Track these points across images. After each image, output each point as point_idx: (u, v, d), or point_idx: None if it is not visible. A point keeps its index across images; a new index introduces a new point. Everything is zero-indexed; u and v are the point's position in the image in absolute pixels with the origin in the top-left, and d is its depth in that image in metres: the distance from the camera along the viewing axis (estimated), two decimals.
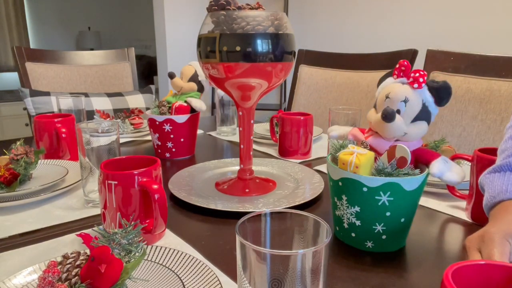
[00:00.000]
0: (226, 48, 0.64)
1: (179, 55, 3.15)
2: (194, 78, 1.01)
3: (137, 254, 0.43)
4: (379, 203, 0.52)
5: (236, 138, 1.22)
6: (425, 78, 0.53)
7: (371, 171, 0.53)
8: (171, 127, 0.97)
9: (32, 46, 4.79)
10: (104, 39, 5.23)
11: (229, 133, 1.27)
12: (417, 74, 0.53)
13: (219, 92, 1.24)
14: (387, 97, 0.54)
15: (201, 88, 1.03)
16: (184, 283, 0.45)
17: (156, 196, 0.53)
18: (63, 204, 0.70)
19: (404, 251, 0.55)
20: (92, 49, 4.46)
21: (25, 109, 1.49)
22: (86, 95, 1.47)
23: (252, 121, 0.75)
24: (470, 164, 0.65)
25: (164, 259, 0.49)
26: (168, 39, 3.12)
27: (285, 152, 1.01)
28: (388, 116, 0.51)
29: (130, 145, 1.15)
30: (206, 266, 0.47)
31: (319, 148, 1.09)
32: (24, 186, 0.75)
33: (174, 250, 0.50)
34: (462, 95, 1.12)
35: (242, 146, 0.76)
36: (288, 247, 0.38)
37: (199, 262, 0.48)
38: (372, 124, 0.56)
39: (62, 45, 5.04)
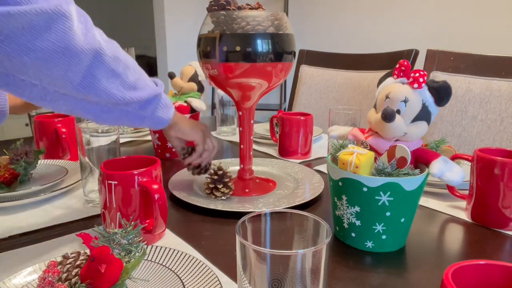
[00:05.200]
0: (226, 48, 0.64)
1: (179, 55, 3.15)
2: (194, 78, 1.01)
3: (137, 254, 0.43)
4: (379, 203, 0.52)
5: (236, 138, 1.22)
6: (425, 78, 0.53)
7: (371, 171, 0.53)
8: None
9: None
10: None
11: (229, 133, 1.27)
12: (417, 74, 0.53)
13: (219, 92, 1.24)
14: (387, 97, 0.54)
15: (201, 88, 1.03)
16: (184, 283, 0.45)
17: (156, 196, 0.53)
18: (63, 204, 0.70)
19: (404, 251, 0.55)
20: None
21: None
22: None
23: (252, 121, 0.75)
24: (470, 164, 0.65)
25: (164, 259, 0.49)
26: (168, 39, 3.12)
27: (285, 152, 1.01)
28: (388, 116, 0.51)
29: (130, 145, 1.15)
30: (206, 266, 0.47)
31: (319, 148, 1.09)
32: (24, 186, 0.75)
33: (174, 250, 0.50)
34: (462, 95, 1.12)
35: (242, 146, 0.76)
36: (288, 247, 0.38)
37: (199, 262, 0.48)
38: (372, 124, 0.56)
39: None
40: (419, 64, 1.24)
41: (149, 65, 4.81)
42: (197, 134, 0.72)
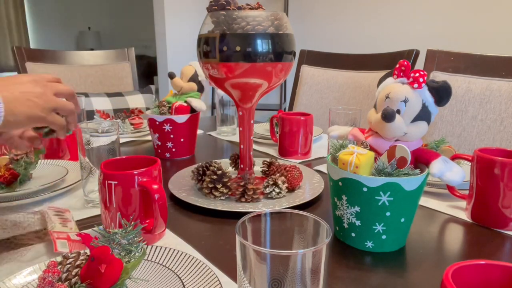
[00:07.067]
0: (226, 48, 0.64)
1: (179, 55, 3.15)
2: (194, 78, 1.02)
3: (137, 254, 0.43)
4: (379, 203, 0.52)
5: (236, 138, 1.22)
6: (425, 78, 0.53)
7: (371, 171, 0.53)
8: (171, 127, 0.97)
9: (32, 46, 4.79)
10: (104, 39, 5.23)
11: (229, 133, 1.27)
12: (417, 74, 0.53)
13: (219, 92, 1.24)
14: (387, 97, 0.54)
15: (201, 88, 1.03)
16: (184, 283, 0.45)
17: (156, 196, 0.53)
18: (63, 204, 0.70)
19: (404, 251, 0.55)
20: (92, 49, 4.46)
21: None
22: (86, 95, 1.47)
23: (252, 121, 0.75)
24: (470, 164, 0.65)
25: (164, 259, 0.49)
26: (168, 39, 3.12)
27: (285, 152, 1.01)
28: (388, 116, 0.51)
29: (130, 145, 1.15)
30: (206, 266, 0.47)
31: (319, 148, 1.09)
32: (24, 186, 0.75)
33: (174, 250, 0.50)
34: (462, 95, 1.12)
35: (242, 146, 0.76)
36: (288, 247, 0.38)
37: (199, 262, 0.48)
38: (372, 124, 0.56)
39: (62, 45, 5.04)
40: (419, 64, 1.24)
41: (149, 65, 4.81)
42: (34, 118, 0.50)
